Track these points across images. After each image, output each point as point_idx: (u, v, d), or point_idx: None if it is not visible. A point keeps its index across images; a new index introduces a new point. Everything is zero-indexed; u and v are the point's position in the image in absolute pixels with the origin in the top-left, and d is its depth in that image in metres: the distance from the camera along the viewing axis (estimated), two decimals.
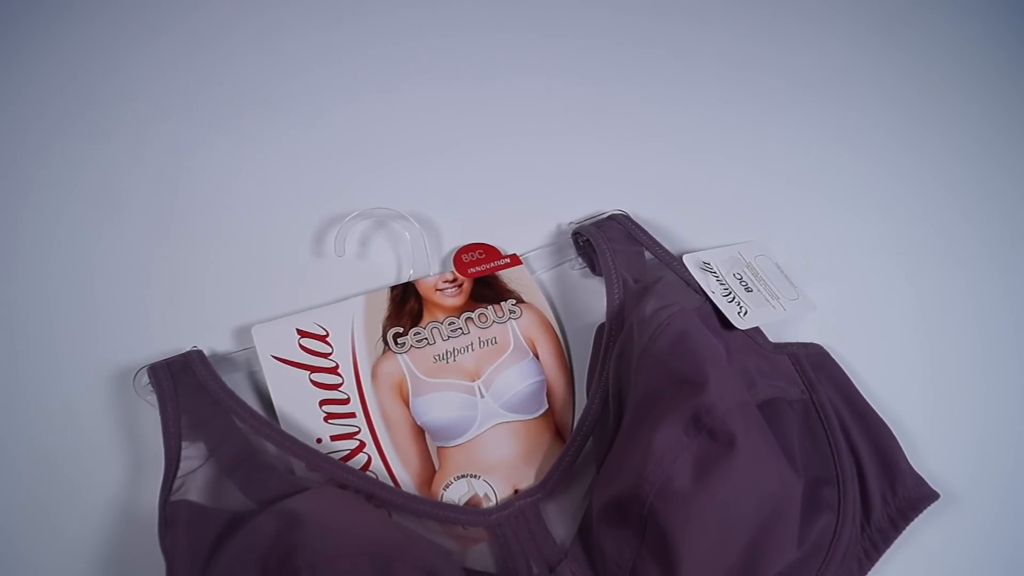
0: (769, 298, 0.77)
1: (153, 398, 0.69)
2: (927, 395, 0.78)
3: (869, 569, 0.66)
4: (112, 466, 0.70)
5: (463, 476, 0.70)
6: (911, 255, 0.88)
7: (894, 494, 0.68)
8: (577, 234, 0.82)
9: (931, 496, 0.69)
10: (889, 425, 0.71)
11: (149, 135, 0.90)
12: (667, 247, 0.80)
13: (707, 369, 0.63)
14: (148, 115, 0.91)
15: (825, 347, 0.76)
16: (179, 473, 0.65)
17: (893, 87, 1.03)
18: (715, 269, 0.79)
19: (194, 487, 0.65)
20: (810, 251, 0.87)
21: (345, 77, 0.96)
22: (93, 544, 0.67)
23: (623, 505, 0.61)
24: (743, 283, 0.78)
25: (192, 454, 0.66)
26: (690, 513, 0.59)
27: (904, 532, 0.68)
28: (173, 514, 0.62)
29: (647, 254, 0.80)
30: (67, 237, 0.82)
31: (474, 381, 0.74)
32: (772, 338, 0.76)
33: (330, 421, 0.71)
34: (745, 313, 0.75)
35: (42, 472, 0.70)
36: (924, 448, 0.73)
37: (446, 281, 0.79)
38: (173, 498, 0.63)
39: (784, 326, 0.79)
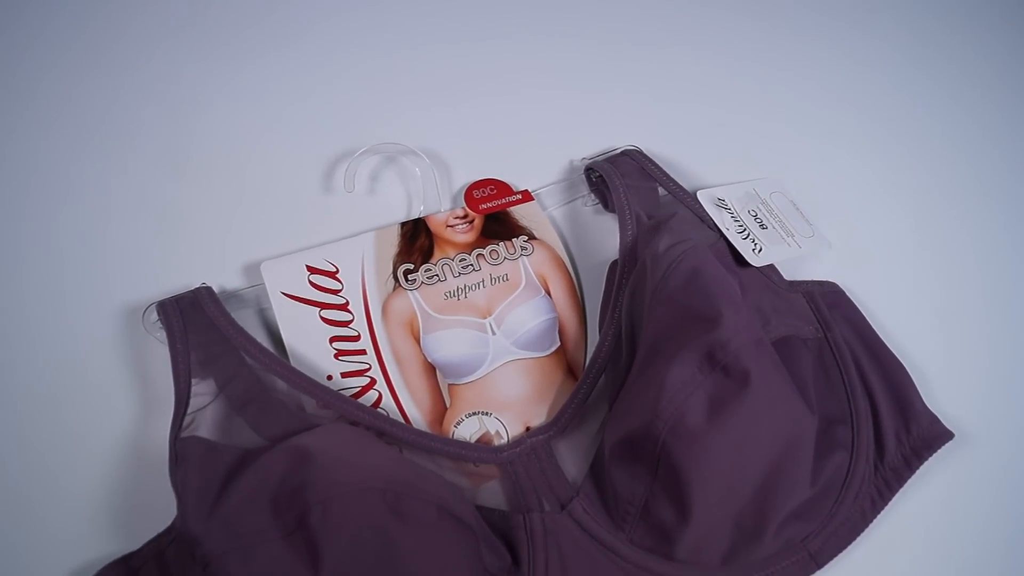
0: (784, 236, 0.76)
1: (162, 335, 0.69)
2: (942, 334, 0.78)
3: (882, 508, 0.66)
4: (122, 403, 0.71)
5: (474, 414, 0.70)
6: (930, 193, 0.86)
7: (908, 433, 0.68)
8: (590, 170, 0.81)
9: (945, 436, 0.69)
10: (904, 364, 0.71)
11: (157, 72, 0.89)
12: (681, 183, 0.79)
13: (721, 305, 0.62)
14: (156, 52, 0.90)
15: (840, 286, 0.76)
16: (189, 410, 0.65)
17: (913, 15, 1.00)
18: (729, 206, 0.77)
19: (204, 424, 0.65)
20: (826, 188, 0.85)
21: (355, 12, 0.95)
22: (104, 482, 0.67)
23: (635, 442, 0.61)
24: (758, 220, 0.77)
25: (202, 391, 0.66)
26: (703, 450, 0.59)
27: (918, 472, 0.68)
28: (183, 450, 0.62)
29: (661, 190, 0.79)
30: (74, 174, 0.82)
31: (485, 318, 0.74)
32: (787, 276, 0.75)
33: (341, 358, 0.71)
34: (760, 250, 0.74)
35: (52, 410, 0.70)
36: (939, 388, 0.73)
37: (457, 217, 0.78)
38: (183, 435, 0.63)
39: (799, 264, 0.78)
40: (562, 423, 0.68)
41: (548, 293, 0.75)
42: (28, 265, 0.77)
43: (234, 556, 0.56)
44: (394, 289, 0.74)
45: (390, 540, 0.56)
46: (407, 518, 0.57)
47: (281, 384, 0.67)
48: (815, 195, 0.83)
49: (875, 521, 0.66)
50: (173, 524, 0.62)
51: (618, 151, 0.82)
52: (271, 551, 0.56)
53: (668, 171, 0.80)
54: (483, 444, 0.69)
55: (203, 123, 0.86)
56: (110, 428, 0.69)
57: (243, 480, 0.59)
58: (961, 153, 0.89)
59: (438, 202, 0.79)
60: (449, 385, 0.71)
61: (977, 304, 0.80)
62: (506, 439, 0.69)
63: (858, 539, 0.66)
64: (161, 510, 0.63)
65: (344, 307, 0.73)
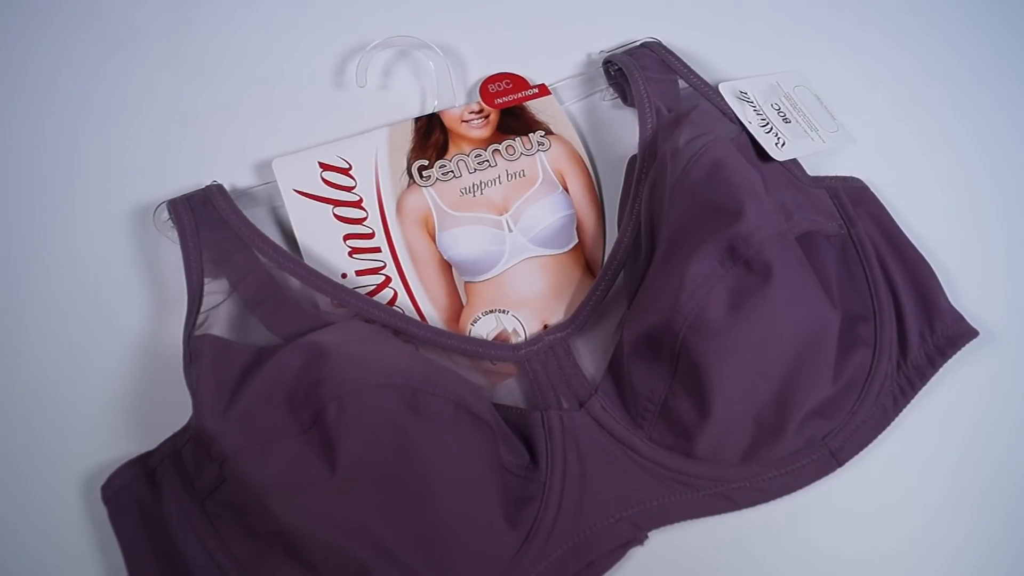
0: (808, 130, 0.75)
1: (173, 234, 0.68)
2: (969, 232, 0.76)
3: (904, 407, 0.66)
4: (135, 304, 0.71)
5: (491, 311, 0.70)
6: (958, 88, 0.84)
7: (932, 331, 0.68)
8: (608, 63, 0.79)
9: (970, 334, 0.68)
10: (929, 262, 0.70)
11: None
12: (702, 76, 0.77)
13: (743, 198, 0.61)
14: None
15: (865, 181, 0.75)
16: (202, 308, 0.65)
17: None
18: (752, 99, 0.76)
19: (218, 322, 0.65)
20: (851, 82, 0.83)
21: None
22: (119, 382, 0.68)
23: (655, 338, 0.61)
24: (781, 114, 0.75)
25: (215, 289, 0.66)
26: (724, 346, 0.58)
27: (941, 370, 0.67)
28: (197, 348, 0.62)
29: (681, 83, 0.77)
30: (82, 73, 0.80)
31: (502, 215, 0.73)
32: (810, 171, 0.74)
33: (355, 256, 0.70)
34: (783, 144, 0.72)
35: (64, 312, 0.70)
36: (964, 286, 0.72)
37: (472, 112, 0.76)
38: (197, 333, 0.63)
39: (823, 159, 0.77)
40: (580, 320, 0.68)
41: (566, 189, 0.74)
42: (35, 167, 0.76)
43: (250, 453, 0.56)
44: (408, 186, 0.73)
45: (407, 436, 0.56)
46: (424, 414, 0.56)
47: (295, 282, 0.66)
48: (840, 89, 0.81)
49: (897, 420, 0.66)
50: (189, 423, 0.62)
51: (637, 43, 0.80)
52: (287, 448, 0.56)
53: (689, 64, 0.78)
54: (500, 342, 0.69)
55: (210, 19, 0.84)
56: (123, 329, 0.69)
57: (258, 377, 0.59)
58: (996, 44, 0.87)
59: (452, 97, 0.78)
60: (465, 283, 0.71)
61: (1006, 202, 0.78)
62: (523, 337, 0.69)
63: (880, 437, 0.65)
64: (177, 410, 0.63)
65: (358, 204, 0.72)
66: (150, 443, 0.63)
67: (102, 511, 0.61)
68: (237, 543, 0.59)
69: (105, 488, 0.61)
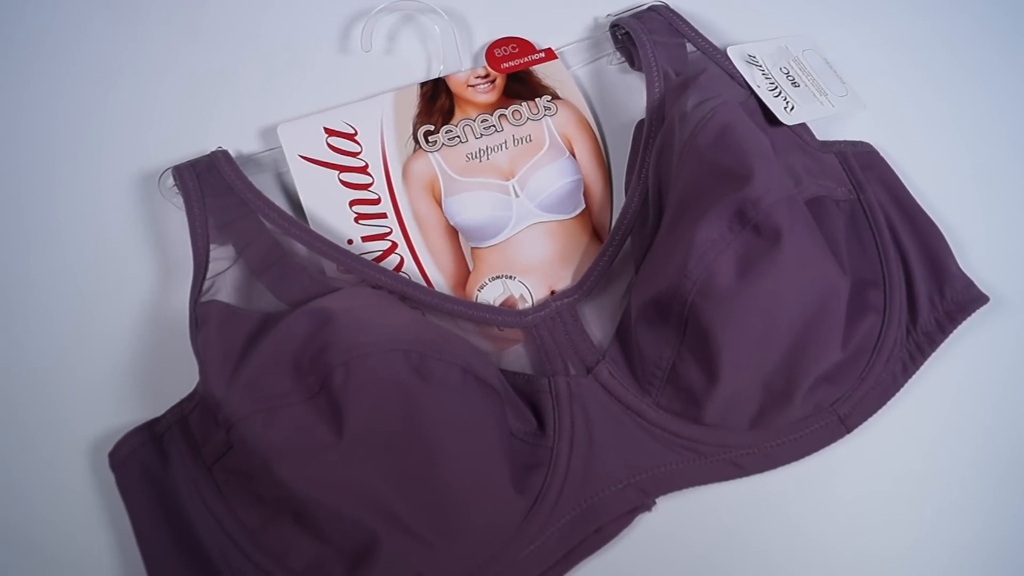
0: (817, 94, 0.74)
1: (179, 200, 0.68)
2: (979, 197, 0.76)
3: (914, 373, 0.66)
4: (140, 271, 0.71)
5: (498, 277, 0.70)
6: (970, 50, 0.83)
7: (942, 297, 0.67)
8: (615, 26, 0.78)
9: (980, 299, 0.68)
10: (939, 227, 0.70)
11: None
12: (710, 39, 0.77)
13: (752, 161, 0.60)
14: None
15: (875, 146, 0.74)
16: (208, 274, 0.65)
17: None
18: (761, 62, 0.75)
19: (224, 289, 0.65)
20: (861, 45, 0.82)
21: None
22: (125, 349, 0.68)
23: (663, 304, 0.61)
24: (790, 77, 0.75)
25: (221, 255, 0.66)
26: (732, 311, 0.58)
27: (951, 336, 0.67)
28: (204, 314, 0.62)
29: (689, 47, 0.77)
30: (86, 40, 0.80)
31: (508, 180, 0.72)
32: (819, 136, 0.73)
33: (361, 222, 0.70)
34: (792, 108, 0.72)
35: (70, 280, 0.70)
36: (974, 251, 0.72)
37: (478, 77, 0.76)
38: (203, 299, 0.63)
39: (832, 124, 0.77)
40: (587, 286, 0.67)
41: (572, 154, 0.74)
42: (40, 136, 0.76)
43: (256, 419, 0.56)
44: (414, 151, 0.72)
45: (414, 401, 0.55)
46: (431, 379, 0.56)
47: (301, 248, 0.66)
48: (850, 52, 0.81)
49: (906, 386, 0.66)
50: (195, 390, 0.62)
51: (645, 7, 0.79)
52: (294, 413, 0.56)
53: (697, 27, 0.77)
54: (507, 308, 0.68)
55: None
56: (129, 296, 0.69)
57: (264, 343, 0.58)
58: (1010, 3, 0.86)
59: (458, 61, 0.77)
60: (472, 248, 0.70)
61: (1016, 168, 0.77)
62: (530, 303, 0.69)
63: (889, 404, 0.65)
64: (183, 376, 0.63)
65: (363, 170, 0.71)
66: (157, 410, 0.63)
67: (110, 478, 0.61)
68: (244, 509, 0.59)
69: (112, 455, 0.61)
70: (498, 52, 0.77)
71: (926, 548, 0.64)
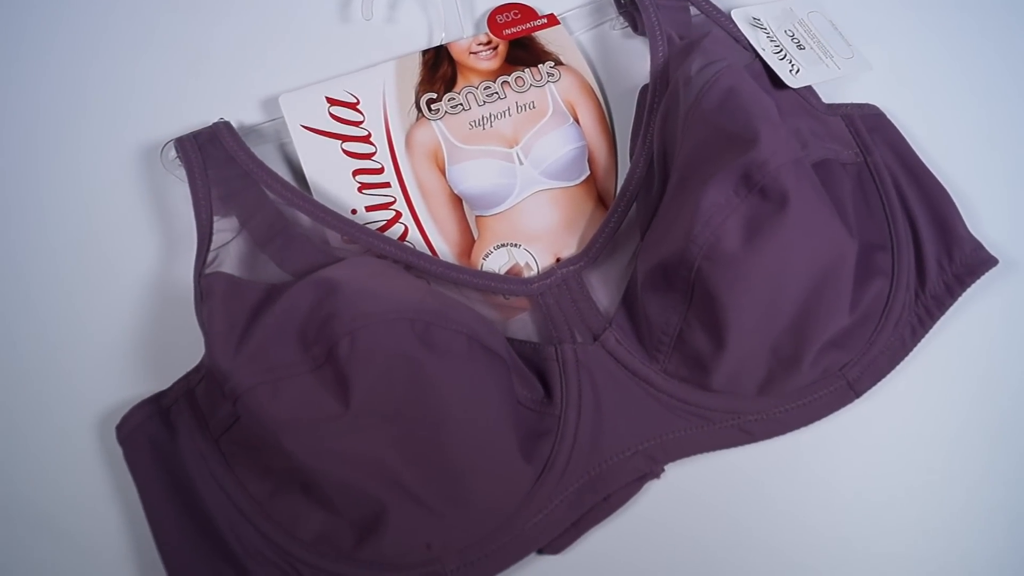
0: (823, 56, 0.74)
1: (181, 172, 0.68)
2: (987, 159, 0.75)
3: (922, 337, 0.66)
4: (144, 244, 0.70)
5: (503, 245, 0.69)
6: (979, 10, 0.82)
7: (950, 260, 0.67)
8: None
9: (989, 262, 0.68)
10: (947, 189, 0.69)
11: None
12: (714, 2, 0.76)
13: (758, 125, 0.60)
14: None
15: (881, 108, 0.73)
16: (212, 246, 0.64)
17: None
18: (765, 25, 0.74)
19: (228, 260, 0.64)
20: (867, 6, 0.82)
21: None
22: (131, 322, 0.68)
23: (669, 269, 0.60)
24: (795, 40, 0.74)
25: (224, 227, 0.65)
26: (739, 275, 0.58)
27: (960, 299, 0.67)
28: (208, 286, 0.62)
29: (693, 10, 0.76)
30: (86, 12, 0.79)
31: (512, 147, 0.72)
32: (825, 99, 0.73)
33: (364, 191, 0.70)
34: (797, 71, 0.71)
35: (74, 253, 0.70)
36: (983, 213, 0.71)
37: (480, 44, 0.75)
38: (207, 271, 0.63)
39: (838, 86, 0.76)
40: (593, 253, 0.67)
41: (576, 120, 0.73)
42: (43, 110, 0.75)
43: (263, 390, 0.56)
44: (417, 119, 0.72)
45: (420, 370, 0.55)
46: (437, 348, 0.56)
47: (304, 219, 0.66)
48: (855, 13, 0.80)
49: (915, 350, 0.66)
50: (202, 362, 0.62)
51: None
52: (300, 384, 0.56)
53: None
54: (513, 276, 0.68)
55: None
56: (133, 269, 0.69)
57: (270, 314, 0.58)
58: None
59: (460, 28, 0.76)
60: (476, 217, 0.70)
61: None
62: (536, 270, 0.69)
63: (898, 368, 0.65)
64: (189, 349, 0.63)
65: (366, 139, 0.71)
66: (164, 382, 0.63)
67: (117, 451, 0.61)
68: (252, 481, 0.59)
69: (120, 428, 0.61)
70: (500, 18, 0.77)
71: (936, 514, 0.64)
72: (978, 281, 0.67)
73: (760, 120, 0.60)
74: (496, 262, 0.69)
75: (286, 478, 0.59)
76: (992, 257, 0.68)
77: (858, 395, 0.64)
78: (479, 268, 0.69)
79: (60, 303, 0.68)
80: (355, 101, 0.72)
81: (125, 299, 0.68)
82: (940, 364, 0.67)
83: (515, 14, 0.77)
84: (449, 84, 0.74)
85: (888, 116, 0.73)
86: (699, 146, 0.62)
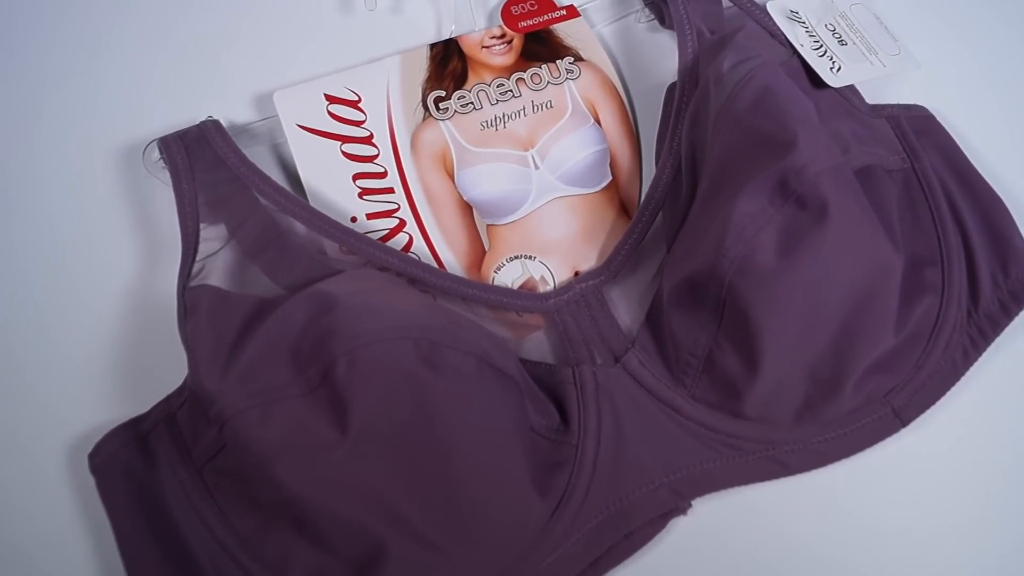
0: (866, 52, 0.71)
1: (165, 175, 0.66)
2: None
3: (975, 360, 0.64)
4: (124, 253, 0.68)
5: (516, 257, 0.68)
6: None
7: (1006, 276, 0.65)
8: None
9: None
10: (1002, 198, 0.67)
11: None
12: None
13: (796, 128, 0.58)
14: None
15: (930, 110, 0.71)
16: (198, 257, 0.62)
17: None
18: (804, 18, 0.72)
19: (215, 272, 0.62)
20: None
21: None
22: (107, 339, 0.66)
23: (698, 285, 0.59)
24: (836, 35, 0.72)
25: (211, 235, 0.63)
26: (774, 292, 0.56)
27: (1016, 319, 0.64)
28: (193, 300, 0.60)
29: (725, 2, 0.74)
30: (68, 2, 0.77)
31: (527, 150, 0.70)
32: (869, 99, 0.71)
33: (365, 197, 0.68)
34: (838, 69, 0.69)
35: (47, 263, 0.68)
36: None
37: (493, 37, 0.74)
38: (193, 283, 0.61)
39: (883, 85, 0.74)
40: (614, 267, 0.65)
41: (597, 121, 0.72)
42: (17, 105, 0.73)
43: (252, 415, 0.54)
44: (424, 119, 0.70)
45: (425, 394, 0.53)
46: (443, 370, 0.54)
47: (300, 227, 0.64)
48: (902, 6, 0.78)
49: (967, 374, 0.63)
50: (184, 384, 0.60)
51: None
52: (293, 409, 0.53)
53: None
54: (527, 291, 0.66)
55: None
56: (111, 281, 0.67)
57: (260, 331, 0.56)
58: None
59: (471, 20, 0.75)
60: (487, 226, 0.68)
61: None
62: (552, 285, 0.67)
63: (948, 394, 0.63)
64: (171, 369, 0.61)
65: (368, 140, 0.69)
66: (142, 406, 0.60)
67: (90, 481, 0.58)
68: (238, 515, 0.57)
69: (93, 456, 0.59)
70: (515, 10, 0.75)
71: (989, 556, 0.61)
72: None
73: (798, 123, 0.59)
74: (509, 275, 0.67)
75: (276, 512, 0.56)
76: None
77: (904, 424, 0.62)
78: (490, 282, 0.67)
79: (29, 318, 0.66)
80: (356, 99, 0.71)
81: (101, 314, 0.66)
82: (994, 390, 0.65)
83: (532, 5, 0.75)
84: (459, 81, 0.72)
85: (938, 118, 0.71)
86: (731, 150, 0.60)
